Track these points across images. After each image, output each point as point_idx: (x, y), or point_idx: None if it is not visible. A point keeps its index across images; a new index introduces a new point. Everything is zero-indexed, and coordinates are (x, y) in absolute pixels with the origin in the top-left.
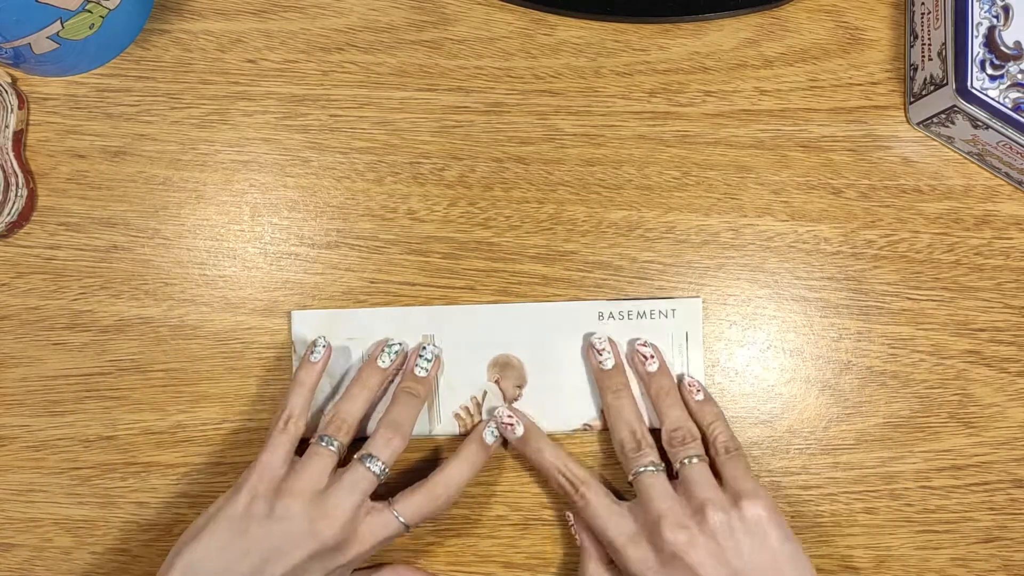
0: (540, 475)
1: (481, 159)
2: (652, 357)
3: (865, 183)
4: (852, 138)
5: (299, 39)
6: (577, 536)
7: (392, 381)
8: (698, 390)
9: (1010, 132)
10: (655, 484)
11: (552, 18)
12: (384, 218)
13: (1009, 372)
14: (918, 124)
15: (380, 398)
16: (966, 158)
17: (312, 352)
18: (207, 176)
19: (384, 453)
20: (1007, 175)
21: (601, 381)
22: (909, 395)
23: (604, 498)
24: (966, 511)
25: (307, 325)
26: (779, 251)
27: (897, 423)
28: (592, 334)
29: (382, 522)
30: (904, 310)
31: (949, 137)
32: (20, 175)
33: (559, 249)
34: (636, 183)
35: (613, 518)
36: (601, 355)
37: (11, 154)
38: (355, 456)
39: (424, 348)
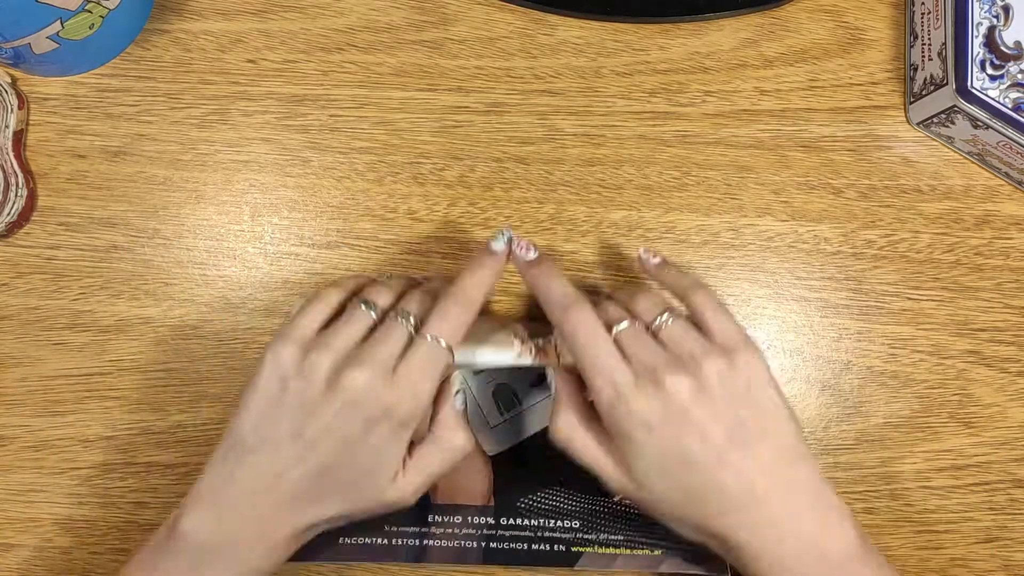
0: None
1: (481, 159)
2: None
3: (865, 183)
4: (852, 138)
5: (299, 39)
6: (551, 376)
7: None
8: (654, 255)
9: (1010, 132)
10: (643, 338)
11: (552, 18)
12: (384, 218)
13: (1009, 372)
14: (918, 124)
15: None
16: (966, 158)
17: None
18: (207, 176)
19: (417, 306)
20: (1007, 175)
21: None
22: (909, 395)
23: (601, 330)
24: (966, 511)
25: None
26: (779, 251)
27: (897, 423)
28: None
29: (418, 354)
30: (904, 310)
31: (949, 137)
32: (20, 175)
33: (559, 249)
34: (636, 183)
35: (613, 359)
36: (529, 252)
37: (11, 154)
38: (388, 315)
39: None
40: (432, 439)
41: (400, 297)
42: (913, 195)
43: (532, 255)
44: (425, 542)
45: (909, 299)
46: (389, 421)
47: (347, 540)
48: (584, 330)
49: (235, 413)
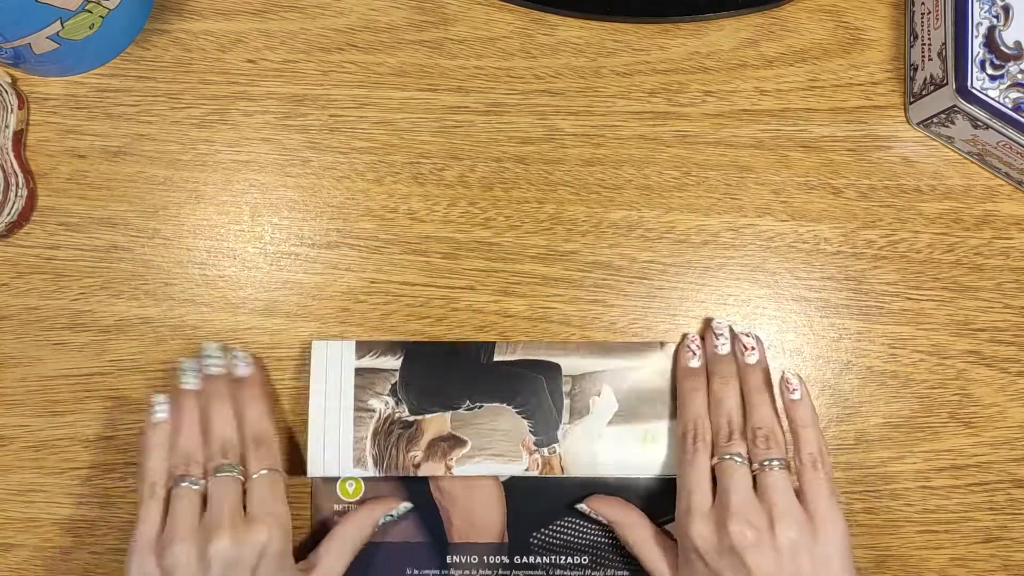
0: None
1: (481, 159)
2: (753, 348)
3: (865, 183)
4: (852, 138)
5: (299, 39)
6: (612, 516)
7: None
8: (794, 388)
9: (1010, 132)
10: (738, 476)
11: (552, 18)
12: (384, 218)
13: (1009, 372)
14: (918, 124)
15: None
16: (966, 158)
17: (153, 412)
18: (207, 176)
19: (228, 455)
20: (1007, 175)
21: (712, 363)
22: (909, 395)
23: (708, 459)
24: (966, 511)
25: (328, 357)
26: (779, 251)
27: (897, 423)
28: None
29: (259, 490)
30: (904, 310)
31: (949, 137)
32: (20, 175)
33: (559, 249)
34: (636, 183)
35: (704, 484)
36: (718, 340)
37: (11, 154)
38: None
39: (206, 348)
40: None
41: (205, 431)
42: (913, 195)
43: (695, 364)
44: None
45: (909, 299)
46: (268, 557)
47: None
48: (695, 456)
49: None
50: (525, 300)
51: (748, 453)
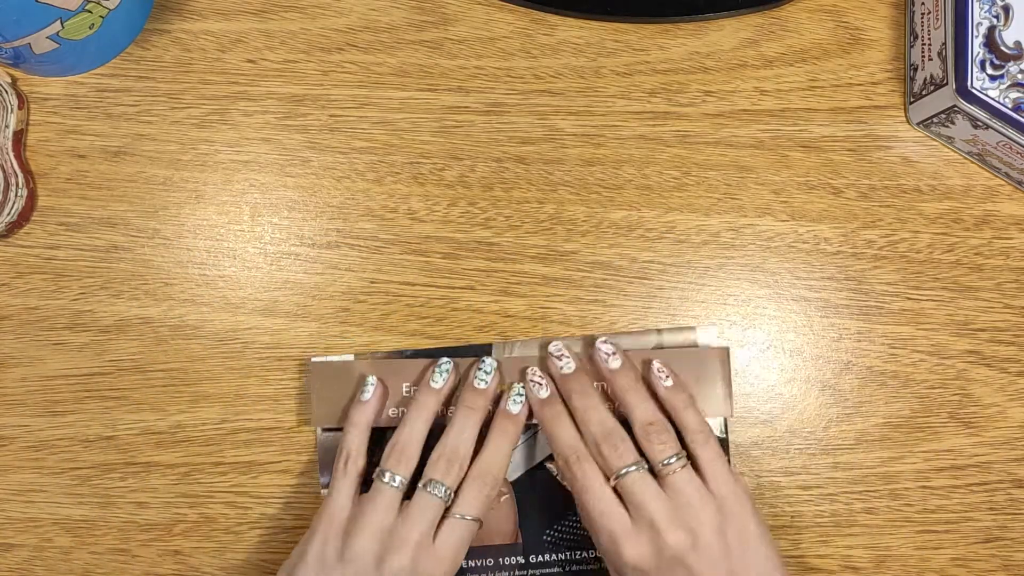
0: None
1: (481, 159)
2: (614, 353)
3: (865, 183)
4: (852, 138)
5: (299, 39)
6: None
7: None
8: (667, 375)
9: (1010, 132)
10: (645, 486)
11: (552, 18)
12: (384, 218)
13: (1009, 372)
14: (918, 124)
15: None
16: (966, 158)
17: (363, 391)
18: (207, 176)
19: (448, 478)
20: (1007, 175)
21: (562, 385)
22: (909, 395)
23: (601, 478)
24: (966, 511)
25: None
26: (779, 251)
27: (897, 423)
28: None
29: (455, 531)
30: (904, 310)
31: (949, 137)
32: (20, 175)
33: (559, 249)
34: (636, 183)
35: (612, 506)
36: (560, 360)
37: (11, 154)
38: (419, 485)
39: (483, 361)
40: None
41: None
42: (913, 195)
43: (544, 394)
44: None
45: (909, 299)
46: None
47: None
48: (586, 481)
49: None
50: (525, 300)
51: (643, 453)
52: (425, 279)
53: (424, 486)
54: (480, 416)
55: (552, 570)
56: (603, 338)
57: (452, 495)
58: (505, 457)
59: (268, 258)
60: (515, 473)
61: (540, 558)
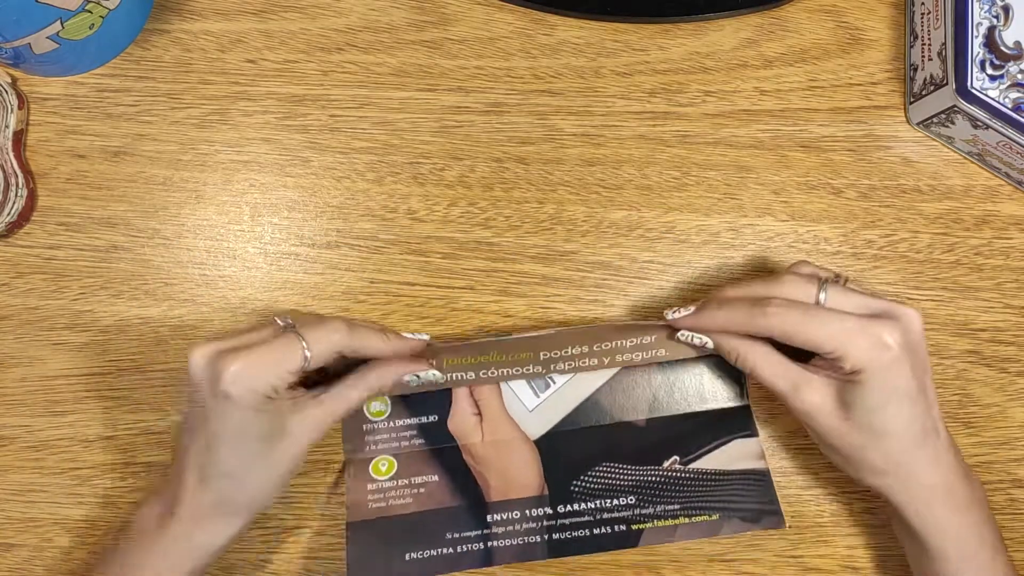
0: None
1: (481, 159)
2: (684, 308)
3: (865, 183)
4: (852, 138)
5: (299, 39)
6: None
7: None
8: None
9: (1010, 132)
10: (850, 289)
11: (552, 18)
12: (384, 218)
13: (1009, 372)
14: (918, 124)
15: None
16: (966, 158)
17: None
18: (207, 176)
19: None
20: (1007, 175)
21: (696, 315)
22: None
23: (802, 303)
24: None
25: None
26: (779, 251)
27: None
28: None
29: (279, 346)
30: None
31: (949, 137)
32: (20, 175)
33: (559, 249)
34: (636, 183)
35: (833, 312)
36: (681, 311)
37: (11, 154)
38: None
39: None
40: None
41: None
42: (913, 195)
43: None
44: (490, 544)
45: (909, 299)
46: (218, 397)
47: (412, 555)
48: (795, 306)
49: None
50: (525, 300)
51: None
52: (425, 279)
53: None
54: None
55: (582, 519)
56: (670, 312)
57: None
58: (372, 337)
59: (268, 258)
60: (539, 432)
61: (569, 507)
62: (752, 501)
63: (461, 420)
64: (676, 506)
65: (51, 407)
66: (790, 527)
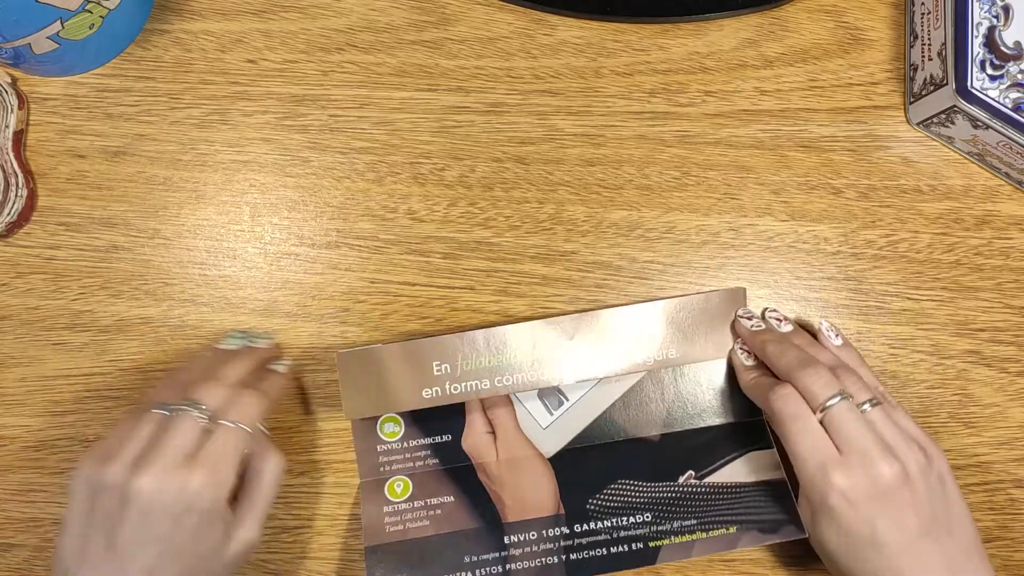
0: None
1: (481, 159)
2: (785, 319)
3: (865, 183)
4: (852, 138)
5: (299, 39)
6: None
7: None
8: (836, 334)
9: (1010, 132)
10: (854, 417)
11: (552, 18)
12: (384, 218)
13: (1009, 372)
14: (918, 124)
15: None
16: (966, 158)
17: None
18: (207, 176)
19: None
20: (1007, 175)
21: (756, 340)
22: (909, 395)
23: (808, 408)
24: None
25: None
26: (779, 251)
27: None
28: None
29: (230, 441)
30: (904, 310)
31: (949, 137)
32: (20, 175)
33: (559, 249)
34: (636, 183)
35: (820, 437)
36: (751, 322)
37: (11, 154)
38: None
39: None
40: (253, 476)
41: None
42: (913, 195)
43: (755, 324)
44: (508, 566)
45: (909, 299)
46: (193, 512)
47: None
48: (796, 409)
49: (58, 535)
50: (525, 300)
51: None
52: (425, 279)
53: (183, 407)
54: (253, 363)
55: (599, 537)
56: (765, 311)
57: (211, 415)
58: (276, 390)
59: (268, 258)
60: (553, 449)
61: (586, 526)
62: (769, 512)
63: (475, 438)
64: (693, 521)
65: (51, 407)
66: None
